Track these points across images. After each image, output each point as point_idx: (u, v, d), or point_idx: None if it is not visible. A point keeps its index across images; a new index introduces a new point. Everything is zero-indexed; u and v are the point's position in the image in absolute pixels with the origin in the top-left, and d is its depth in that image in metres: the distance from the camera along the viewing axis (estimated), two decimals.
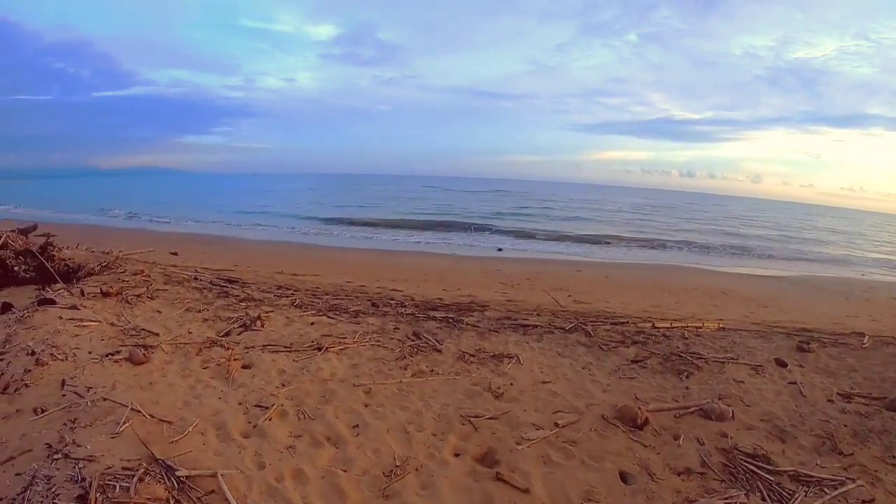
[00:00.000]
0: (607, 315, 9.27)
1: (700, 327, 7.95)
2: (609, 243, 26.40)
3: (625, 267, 18.14)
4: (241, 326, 6.13)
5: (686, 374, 5.81)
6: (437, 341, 5.96)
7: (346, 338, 5.94)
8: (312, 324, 6.35)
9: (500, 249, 21.56)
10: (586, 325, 7.08)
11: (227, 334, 5.96)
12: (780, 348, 7.12)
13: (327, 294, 8.48)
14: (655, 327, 7.55)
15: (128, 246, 12.56)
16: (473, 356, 5.69)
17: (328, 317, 6.66)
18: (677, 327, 7.72)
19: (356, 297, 8.47)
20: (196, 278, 8.91)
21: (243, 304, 7.24)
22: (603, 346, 6.33)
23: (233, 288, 8.26)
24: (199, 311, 6.79)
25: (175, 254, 13.90)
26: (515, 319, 7.33)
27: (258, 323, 6.19)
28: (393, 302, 8.03)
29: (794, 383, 5.77)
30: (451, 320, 6.83)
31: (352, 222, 29.79)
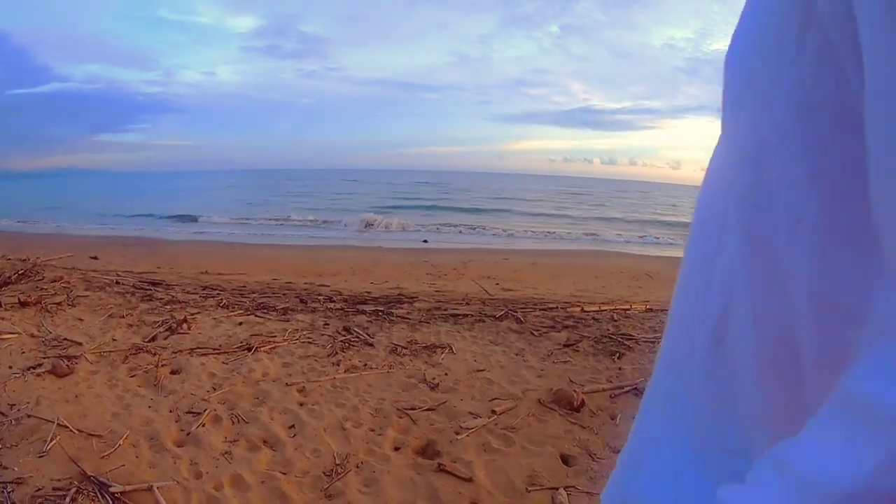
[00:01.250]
0: (536, 301, 9.41)
1: (628, 309, 8.15)
2: (534, 232, 26.83)
3: (550, 254, 18.48)
4: (167, 330, 5.91)
5: (618, 355, 5.96)
6: (369, 335, 5.87)
7: (275, 336, 5.79)
8: (241, 324, 6.17)
9: (425, 241, 21.57)
10: (516, 313, 7.15)
11: (153, 339, 5.74)
12: None
13: (254, 293, 8.26)
14: (584, 311, 7.70)
15: (45, 251, 11.98)
16: (406, 348, 5.63)
17: (256, 316, 6.47)
18: (606, 310, 7.90)
19: (284, 294, 8.28)
20: (118, 282, 8.55)
21: (168, 306, 6.96)
22: (534, 332, 6.40)
23: (157, 291, 7.94)
24: (123, 317, 6.50)
25: (95, 258, 13.28)
26: (446, 310, 7.32)
27: (185, 325, 5.98)
28: (321, 297, 7.89)
29: None
30: (381, 313, 6.75)
31: (276, 219, 29.18)
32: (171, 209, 32.61)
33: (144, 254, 15.16)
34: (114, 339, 5.76)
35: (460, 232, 25.85)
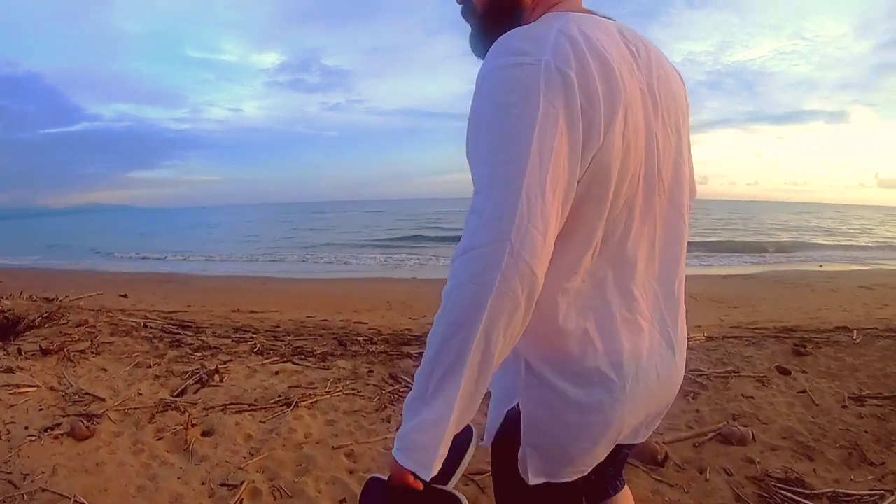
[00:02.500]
0: None
1: (688, 338, 7.51)
2: None
3: None
4: (197, 382, 5.40)
5: (692, 394, 5.34)
6: None
7: (316, 387, 5.21)
8: (277, 373, 5.61)
9: None
10: None
11: (182, 393, 5.23)
12: (776, 354, 6.74)
13: (289, 334, 7.76)
14: None
15: (75, 289, 11.58)
16: None
17: (293, 363, 5.93)
18: None
19: (320, 335, 7.77)
20: (146, 325, 8.10)
21: (198, 353, 6.45)
22: None
23: (186, 335, 7.48)
24: (150, 366, 6.00)
25: (125, 296, 12.93)
26: None
27: (216, 377, 5.45)
28: (360, 339, 7.35)
29: (804, 392, 5.37)
30: None
31: (305, 251, 28.87)
32: (201, 244, 32.58)
33: (175, 291, 14.79)
34: (139, 394, 5.24)
35: None
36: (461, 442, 1.37)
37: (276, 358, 6.07)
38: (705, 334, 7.92)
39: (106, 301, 11.24)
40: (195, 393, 5.22)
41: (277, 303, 12.45)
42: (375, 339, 7.33)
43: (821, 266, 22.01)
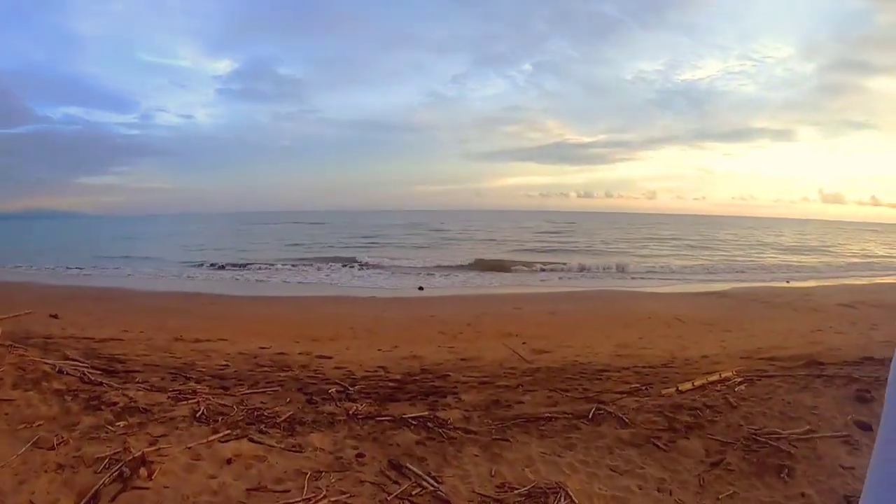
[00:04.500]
0: (588, 368, 7.50)
1: (725, 381, 6.22)
2: (528, 270, 25.01)
3: (560, 298, 16.51)
4: (116, 480, 3.69)
5: (786, 470, 4.02)
6: (434, 478, 3.62)
7: (288, 490, 3.49)
8: (230, 461, 3.86)
9: (420, 288, 19.50)
10: (607, 405, 5.11)
11: (94, 498, 3.57)
12: (838, 401, 5.47)
13: (242, 382, 6.09)
14: (681, 392, 5.73)
15: (3, 307, 9.55)
16: (500, 501, 3.44)
17: (251, 439, 4.19)
18: (703, 386, 5.95)
19: (280, 381, 6.11)
20: (61, 371, 6.26)
21: (122, 422, 4.69)
22: (656, 442, 4.37)
23: (110, 386, 5.69)
24: (55, 447, 4.19)
25: (55, 316, 10.95)
26: (509, 405, 5.23)
27: (143, 471, 3.77)
28: (332, 389, 5.71)
29: None
30: (430, 425, 4.53)
31: (257, 264, 26.62)
32: (148, 255, 30.03)
33: (113, 311, 12.73)
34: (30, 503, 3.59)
35: (455, 272, 23.74)
36: None
37: (227, 431, 4.35)
38: (735, 374, 6.66)
39: (33, 324, 9.31)
40: (111, 501, 3.54)
41: (227, 328, 10.69)
42: (350, 389, 5.71)
43: (788, 282, 21.40)
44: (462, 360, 8.28)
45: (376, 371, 6.87)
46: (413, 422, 4.45)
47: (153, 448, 3.96)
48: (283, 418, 4.62)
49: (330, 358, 7.97)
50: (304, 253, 32.55)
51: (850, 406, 5.36)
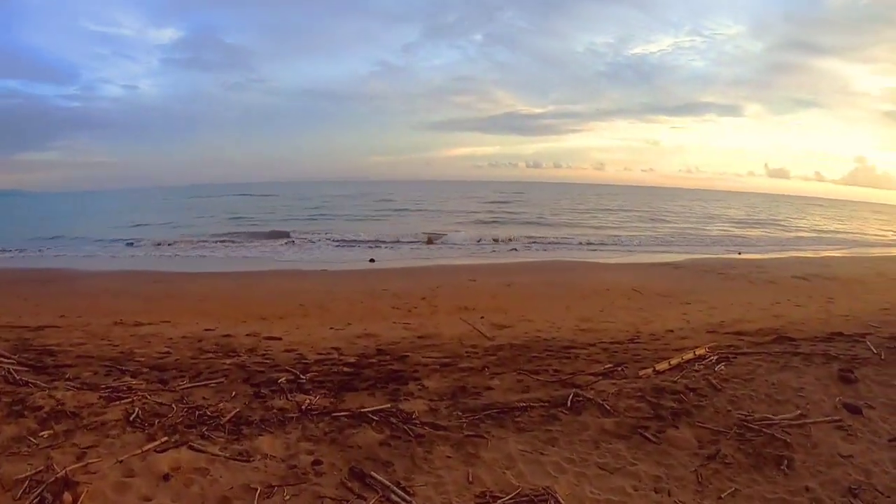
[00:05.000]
0: (555, 346, 7.10)
1: (701, 359, 5.89)
2: (495, 240, 24.62)
3: (516, 270, 16.12)
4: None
5: (785, 461, 3.68)
6: (405, 491, 3.05)
7: None
8: (167, 476, 3.23)
9: (372, 260, 18.88)
10: (584, 391, 4.67)
11: None
12: (822, 382, 5.20)
13: (183, 373, 5.41)
14: (658, 372, 5.35)
15: None
16: None
17: (192, 447, 3.54)
18: (681, 366, 5.59)
19: (224, 370, 5.47)
20: None
21: (47, 432, 3.96)
22: (644, 433, 3.94)
23: (37, 387, 4.94)
24: None
25: None
26: (477, 392, 4.74)
27: (67, 496, 3.12)
28: (283, 378, 5.11)
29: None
30: (393, 420, 3.97)
31: (203, 240, 25.17)
32: (92, 234, 28.02)
33: (51, 294, 11.68)
34: None
35: (410, 249, 22.78)
36: None
37: (165, 437, 3.70)
38: (708, 350, 6.34)
39: None
40: None
41: (170, 308, 9.92)
42: (302, 377, 5.12)
43: (740, 254, 21.51)
44: (419, 337, 7.79)
45: (329, 353, 6.32)
46: (374, 417, 3.90)
47: (80, 464, 3.30)
48: (227, 418, 4.01)
49: (279, 339, 7.38)
50: (251, 226, 31.02)
51: (835, 387, 5.09)
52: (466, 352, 6.55)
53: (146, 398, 4.39)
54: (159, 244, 23.69)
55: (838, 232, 38.00)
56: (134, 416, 4.05)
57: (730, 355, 6.18)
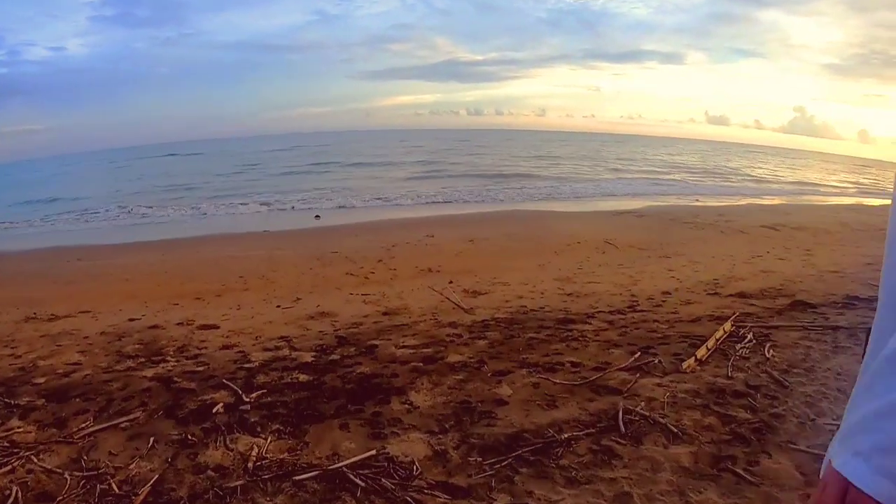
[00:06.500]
0: (549, 320, 5.92)
1: (731, 336, 4.83)
2: (444, 189, 23.28)
3: (475, 222, 14.88)
4: None
5: None
6: None
7: None
8: None
9: (317, 217, 17.35)
10: (629, 399, 3.49)
11: None
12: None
13: (90, 398, 3.88)
14: (699, 360, 4.23)
15: None
16: None
17: None
18: (721, 349, 4.51)
19: (144, 393, 3.93)
20: None
21: None
22: (733, 466, 2.76)
23: None
24: None
25: None
26: (490, 416, 3.42)
27: None
28: (220, 405, 3.66)
29: None
30: (387, 484, 2.58)
31: (123, 207, 22.13)
32: (5, 207, 24.59)
33: None
34: None
35: (354, 206, 20.28)
36: None
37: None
38: (733, 322, 5.31)
39: None
40: None
41: (92, 293, 8.23)
42: (246, 399, 3.67)
43: (697, 201, 20.89)
44: (385, 314, 6.50)
45: (279, 348, 4.95)
46: (357, 479, 2.61)
47: None
48: (141, 497, 2.66)
49: (216, 328, 5.96)
50: (181, 190, 27.32)
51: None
52: (448, 335, 5.29)
53: (32, 462, 2.96)
54: (83, 213, 21.06)
55: (786, 179, 38.17)
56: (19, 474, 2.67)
57: (763, 329, 5.16)
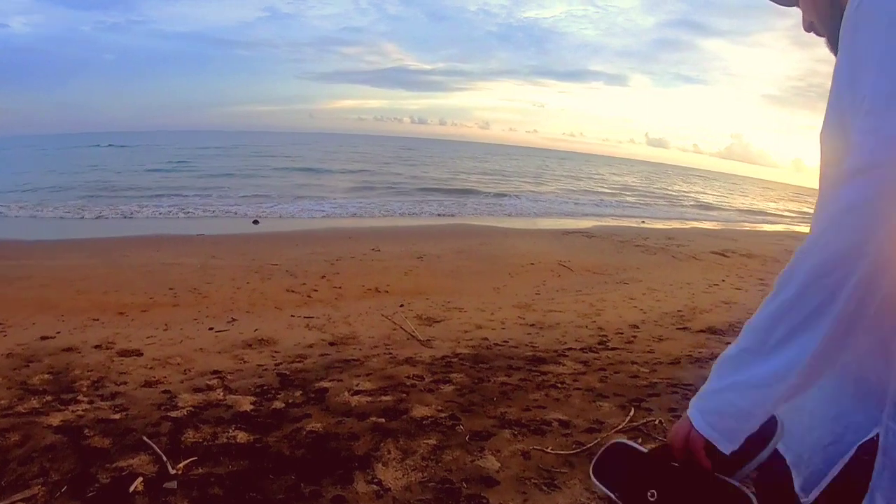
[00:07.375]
0: (518, 357, 5.35)
1: None
2: (387, 196, 22.44)
3: (422, 237, 14.15)
4: None
5: None
6: None
7: None
8: None
9: (256, 222, 16.32)
10: None
11: None
12: None
13: None
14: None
15: None
16: None
17: None
18: None
19: (44, 447, 3.08)
20: None
21: None
22: None
23: None
24: None
25: None
26: (453, 484, 2.73)
27: None
28: (139, 482, 2.81)
29: None
30: None
31: (45, 201, 20.24)
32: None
33: None
34: None
35: (295, 213, 18.93)
36: (761, 432, 0.95)
37: None
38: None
39: None
40: None
41: (5, 302, 7.10)
42: (172, 472, 2.86)
43: (643, 222, 20.81)
44: (332, 344, 5.78)
45: (211, 388, 4.16)
46: None
47: None
48: None
49: (139, 355, 5.12)
50: (113, 186, 24.78)
51: None
52: (407, 376, 4.61)
53: None
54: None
55: (727, 204, 39.01)
56: None
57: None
